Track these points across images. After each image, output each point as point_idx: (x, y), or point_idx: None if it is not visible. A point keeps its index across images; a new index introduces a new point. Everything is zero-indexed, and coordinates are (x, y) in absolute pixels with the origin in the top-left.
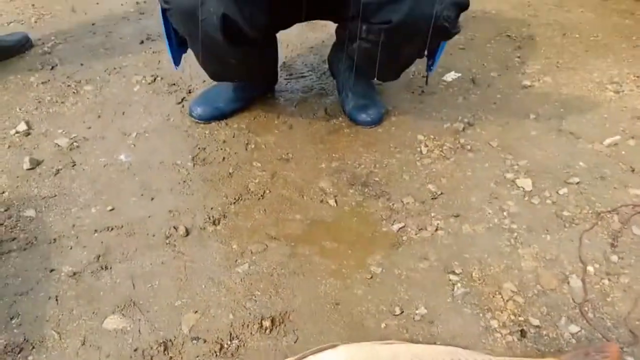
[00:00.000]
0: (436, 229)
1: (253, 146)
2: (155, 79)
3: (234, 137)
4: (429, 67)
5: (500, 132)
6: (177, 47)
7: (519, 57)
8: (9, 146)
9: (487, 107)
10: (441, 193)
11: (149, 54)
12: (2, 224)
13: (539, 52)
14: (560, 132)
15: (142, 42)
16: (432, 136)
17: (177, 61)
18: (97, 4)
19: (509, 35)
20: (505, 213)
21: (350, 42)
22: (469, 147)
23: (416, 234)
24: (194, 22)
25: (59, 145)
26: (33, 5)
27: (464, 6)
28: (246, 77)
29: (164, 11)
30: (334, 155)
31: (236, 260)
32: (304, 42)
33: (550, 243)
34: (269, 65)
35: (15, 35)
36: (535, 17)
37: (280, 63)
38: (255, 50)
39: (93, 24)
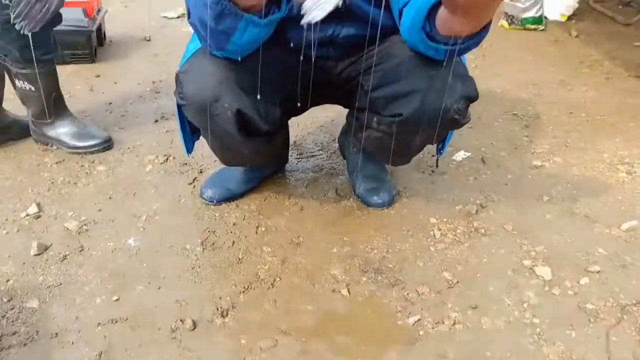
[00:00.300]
0: (454, 323)
1: (263, 229)
2: (167, 159)
3: (244, 219)
4: (439, 151)
5: (514, 215)
6: (191, 135)
7: (527, 136)
8: (18, 230)
9: (498, 188)
10: (457, 282)
11: (163, 132)
12: (4, 316)
13: (547, 131)
14: (574, 215)
15: (156, 120)
16: (444, 219)
17: (189, 148)
18: (115, 83)
19: (515, 114)
20: (525, 305)
21: (361, 130)
22: (482, 230)
23: (433, 328)
24: (208, 117)
25: (68, 229)
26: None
27: (474, 98)
28: (258, 163)
29: (179, 106)
30: (345, 239)
31: (245, 358)
32: (314, 120)
33: (575, 341)
34: (281, 149)
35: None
36: (540, 96)
37: (290, 142)
38: (268, 141)
39: (110, 104)
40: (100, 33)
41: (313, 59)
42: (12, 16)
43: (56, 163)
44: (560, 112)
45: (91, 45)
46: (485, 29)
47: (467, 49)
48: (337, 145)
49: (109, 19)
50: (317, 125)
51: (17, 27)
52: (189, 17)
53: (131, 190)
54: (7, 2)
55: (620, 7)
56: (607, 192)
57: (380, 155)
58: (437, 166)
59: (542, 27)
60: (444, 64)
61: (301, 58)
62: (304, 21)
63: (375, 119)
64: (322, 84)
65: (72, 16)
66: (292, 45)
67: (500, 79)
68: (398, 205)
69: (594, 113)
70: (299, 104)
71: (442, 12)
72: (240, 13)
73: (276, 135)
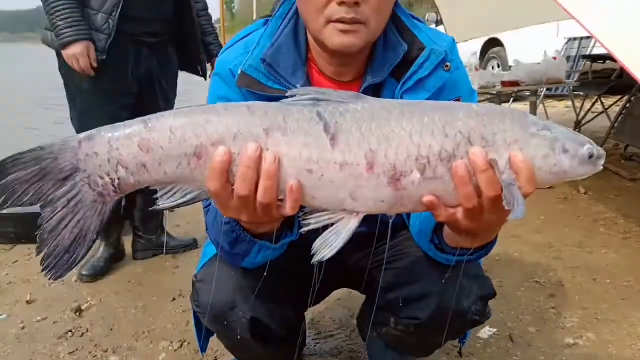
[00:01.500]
0: None
1: None
2: (182, 345)
3: None
4: (462, 340)
5: None
6: (206, 333)
7: (553, 307)
8: None
9: None
10: None
11: (179, 312)
12: None
13: (574, 300)
14: None
15: (174, 299)
16: None
17: (204, 348)
18: (135, 259)
19: (537, 282)
20: None
21: (380, 327)
22: None
23: None
24: (223, 325)
25: None
26: None
27: (491, 296)
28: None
29: (195, 312)
30: None
31: None
32: (331, 295)
33: None
34: (297, 345)
35: None
36: (560, 260)
37: (307, 319)
38: (284, 344)
39: (129, 281)
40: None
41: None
42: (41, 267)
43: (69, 353)
44: (584, 279)
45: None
46: (494, 240)
47: (478, 259)
48: (355, 322)
49: None
50: (334, 298)
51: (44, 275)
52: (207, 230)
53: None
54: None
55: (623, 162)
56: None
57: (400, 348)
58: (461, 355)
59: (550, 185)
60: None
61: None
62: (314, 261)
63: (392, 319)
64: (337, 275)
65: None
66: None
67: (517, 242)
68: None
69: (619, 279)
70: (315, 299)
71: (447, 229)
72: (254, 240)
73: (292, 334)
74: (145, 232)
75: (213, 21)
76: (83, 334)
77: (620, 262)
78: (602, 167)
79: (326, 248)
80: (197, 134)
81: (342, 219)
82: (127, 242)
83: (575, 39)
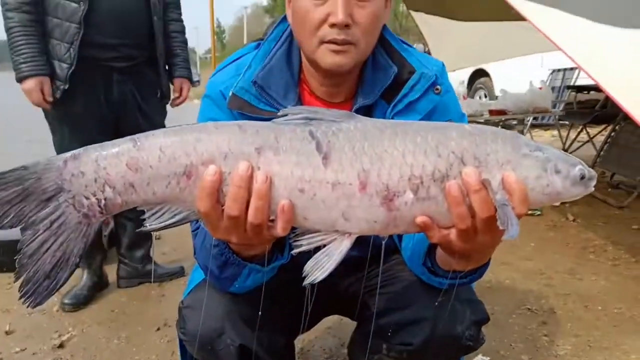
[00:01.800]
0: None
1: None
2: None
3: None
4: None
5: None
6: None
7: (546, 335)
8: None
9: None
10: None
11: (164, 342)
12: None
13: (566, 328)
14: None
15: (158, 329)
16: None
17: None
18: (119, 287)
19: (529, 308)
20: None
21: (372, 353)
22: None
23: None
24: (210, 352)
25: None
26: (59, 292)
27: (485, 321)
28: None
29: (181, 340)
30: None
31: None
32: (321, 322)
33: None
34: None
35: None
36: (551, 287)
37: (296, 348)
38: None
39: (112, 311)
40: (112, 236)
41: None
42: (19, 294)
43: None
44: (576, 305)
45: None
46: (487, 263)
47: (471, 282)
48: (345, 351)
49: None
50: (324, 327)
51: (22, 302)
52: (195, 254)
53: None
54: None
55: (610, 189)
56: None
57: None
58: None
59: (539, 212)
60: (451, 290)
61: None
62: (306, 283)
63: (384, 345)
64: (328, 300)
65: None
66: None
67: (508, 269)
68: None
69: (610, 305)
70: (305, 325)
71: (440, 251)
72: (243, 263)
73: None
74: (131, 260)
75: (204, 51)
76: None
77: (610, 289)
78: (593, 188)
79: (318, 270)
80: (187, 152)
81: (335, 240)
82: (111, 270)
83: (559, 70)
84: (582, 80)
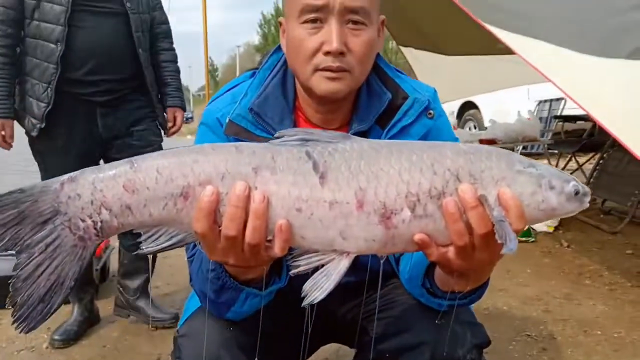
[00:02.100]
0: None
1: None
2: None
3: None
4: None
5: None
6: None
7: None
8: None
9: None
10: None
11: None
12: None
13: (566, 354)
14: None
15: None
16: None
17: None
18: (112, 322)
19: (529, 335)
20: None
21: None
22: None
23: None
24: None
25: None
26: (48, 328)
27: (486, 345)
28: None
29: None
30: None
31: None
32: (319, 354)
33: None
34: None
35: None
36: (549, 313)
37: None
38: None
39: (104, 346)
40: (104, 270)
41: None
42: (12, 318)
43: None
44: (574, 331)
45: (93, 283)
46: (484, 284)
47: (470, 303)
48: None
49: (114, 254)
50: (321, 357)
51: (15, 327)
52: (190, 281)
53: None
54: None
55: (602, 215)
56: None
57: None
58: None
59: (533, 239)
60: (450, 312)
61: (303, 305)
62: (304, 303)
63: None
64: (326, 328)
65: None
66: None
67: (505, 295)
68: None
69: (609, 330)
70: (305, 351)
71: (439, 271)
72: (240, 287)
73: None
74: (125, 290)
75: (197, 88)
76: None
77: (608, 313)
78: (588, 204)
79: (316, 290)
80: (184, 173)
81: (333, 259)
82: (102, 305)
83: (545, 100)
84: (569, 111)
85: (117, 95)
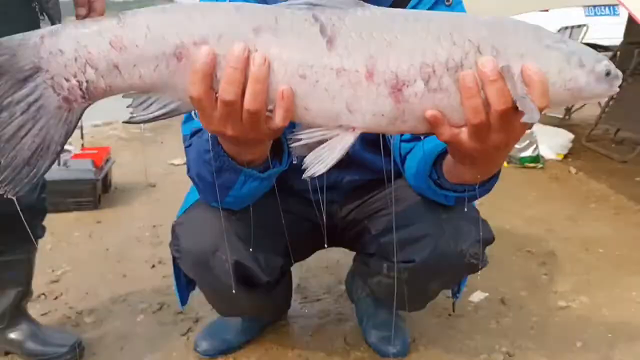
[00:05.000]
0: None
1: None
2: (161, 307)
3: None
4: (455, 294)
5: None
6: (186, 287)
7: (545, 274)
8: None
9: (524, 333)
10: None
11: (159, 278)
12: None
13: (566, 268)
14: None
15: (153, 266)
16: None
17: (184, 301)
18: (111, 232)
19: (529, 251)
20: None
21: (371, 277)
22: None
23: None
24: (205, 270)
25: None
26: (52, 233)
27: (490, 241)
28: (257, 314)
29: (174, 258)
30: None
31: None
32: (318, 261)
33: None
34: (282, 299)
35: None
36: (552, 232)
37: (294, 285)
38: (268, 292)
39: (107, 249)
40: (106, 181)
41: (315, 204)
42: None
43: (42, 315)
44: (576, 249)
45: (95, 193)
46: (495, 176)
47: (478, 196)
48: (344, 287)
49: (116, 167)
50: (321, 266)
51: (1, 190)
52: (188, 172)
53: (118, 345)
54: None
55: (614, 145)
56: None
57: (392, 302)
58: (453, 311)
59: (541, 165)
60: (455, 207)
61: (304, 203)
62: (305, 175)
63: (385, 265)
64: (326, 228)
65: (80, 167)
66: (294, 190)
67: (509, 215)
68: (415, 355)
69: (612, 249)
70: (302, 251)
71: (449, 160)
72: (239, 167)
73: (277, 285)
74: None
75: None
76: (57, 297)
77: (612, 235)
78: (618, 89)
79: (318, 163)
80: (177, 31)
81: (337, 135)
82: (106, 215)
83: (567, 27)
84: (589, 40)
85: None
